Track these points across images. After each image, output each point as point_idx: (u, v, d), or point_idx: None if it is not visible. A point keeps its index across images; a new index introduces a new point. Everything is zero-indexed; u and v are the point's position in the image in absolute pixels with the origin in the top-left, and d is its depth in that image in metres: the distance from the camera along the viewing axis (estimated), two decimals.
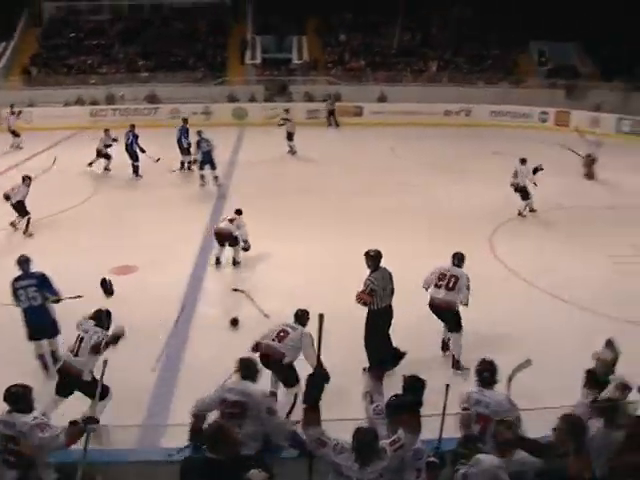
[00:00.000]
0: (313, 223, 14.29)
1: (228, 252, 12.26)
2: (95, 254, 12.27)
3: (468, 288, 8.74)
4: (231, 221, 12.21)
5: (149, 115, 26.29)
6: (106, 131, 19.45)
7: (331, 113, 27.02)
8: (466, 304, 8.73)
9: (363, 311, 8.23)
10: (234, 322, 9.55)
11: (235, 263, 12.27)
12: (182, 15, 32.69)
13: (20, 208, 13.87)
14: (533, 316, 10.00)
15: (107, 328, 7.28)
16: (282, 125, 21.96)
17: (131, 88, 28.38)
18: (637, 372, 6.01)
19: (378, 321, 8.18)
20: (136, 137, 18.66)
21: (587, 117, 26.50)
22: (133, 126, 19.15)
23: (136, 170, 18.79)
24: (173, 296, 10.52)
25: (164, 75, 29.31)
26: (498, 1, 33.19)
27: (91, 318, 7.32)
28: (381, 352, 8.12)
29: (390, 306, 8.25)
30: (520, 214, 15.19)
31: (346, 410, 6.07)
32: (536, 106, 28.10)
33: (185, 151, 19.02)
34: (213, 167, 17.49)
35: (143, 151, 18.59)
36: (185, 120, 19.58)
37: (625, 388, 5.60)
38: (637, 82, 28.82)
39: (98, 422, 5.42)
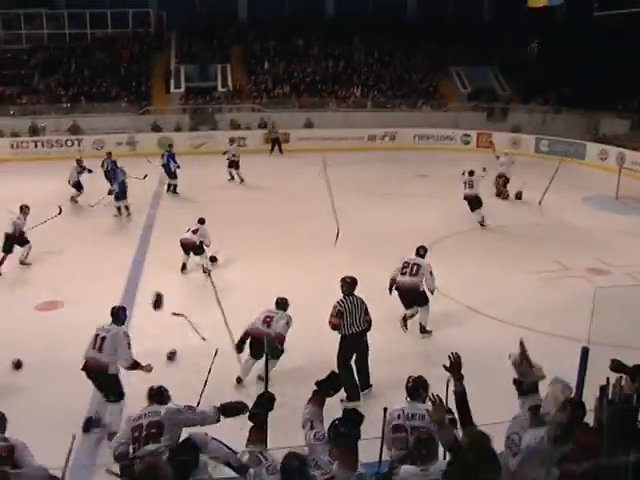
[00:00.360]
0: (244, 250, 14.27)
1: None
2: (19, 289, 11.96)
3: (431, 274, 10.31)
4: (194, 232, 13.15)
5: (72, 147, 25.79)
6: (78, 161, 19.28)
7: (275, 141, 27.01)
8: (433, 290, 10.33)
9: (306, 336, 8.28)
10: (171, 355, 9.43)
11: (205, 271, 12.60)
12: (104, 44, 32.28)
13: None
14: (461, 333, 10.23)
15: (123, 323, 7.97)
16: (224, 154, 22.16)
17: (53, 119, 27.81)
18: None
19: (347, 347, 8.37)
20: (114, 163, 18.92)
21: (507, 138, 27.43)
22: (110, 154, 19.67)
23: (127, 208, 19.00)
24: None
25: (87, 105, 28.86)
26: (418, 29, 34.26)
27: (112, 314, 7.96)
28: (347, 379, 8.20)
29: (362, 334, 8.38)
30: (482, 224, 16.37)
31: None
32: (458, 129, 28.90)
33: (172, 175, 20.15)
34: (124, 197, 17.68)
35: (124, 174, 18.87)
36: (170, 145, 21.12)
37: (566, 388, 5.62)
38: (553, 104, 30.03)
39: None
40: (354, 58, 33.31)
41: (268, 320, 8.71)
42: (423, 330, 10.34)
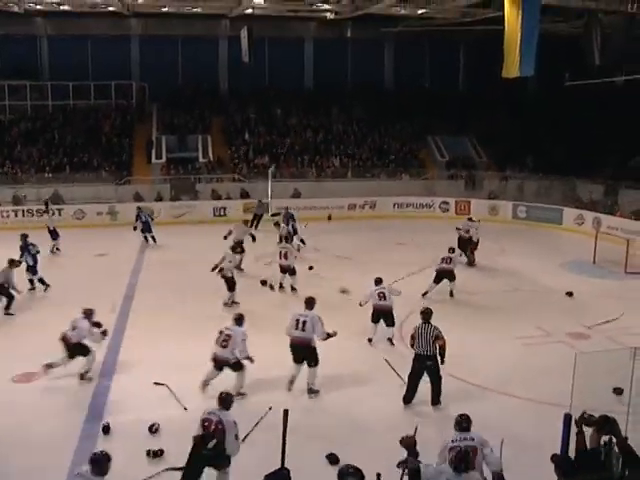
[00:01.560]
0: (221, 320, 14.04)
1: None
2: None
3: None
4: (286, 257, 16.47)
5: (53, 216, 25.76)
6: (245, 222, 21.29)
7: (258, 217, 25.63)
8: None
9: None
10: (152, 429, 9.17)
11: (293, 289, 16.47)
12: (87, 115, 32.65)
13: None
14: (445, 401, 10.14)
15: (312, 308, 10.78)
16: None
17: (35, 189, 27.82)
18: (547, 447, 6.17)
19: (415, 362, 10.22)
20: (149, 215, 22.79)
21: (485, 205, 27.85)
22: (140, 208, 23.30)
23: (153, 238, 22.53)
24: (80, 401, 10.13)
25: (69, 175, 28.94)
26: (397, 100, 35.09)
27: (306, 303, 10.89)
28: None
29: (428, 357, 10.06)
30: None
31: None
32: (437, 197, 29.27)
33: (289, 238, 20.17)
34: (35, 272, 16.89)
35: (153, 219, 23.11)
36: (287, 209, 22.84)
37: None
38: (529, 171, 30.65)
39: None
40: (333, 128, 33.92)
41: (382, 295, 12.84)
42: (452, 294, 16.13)
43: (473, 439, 6.87)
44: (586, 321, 14.06)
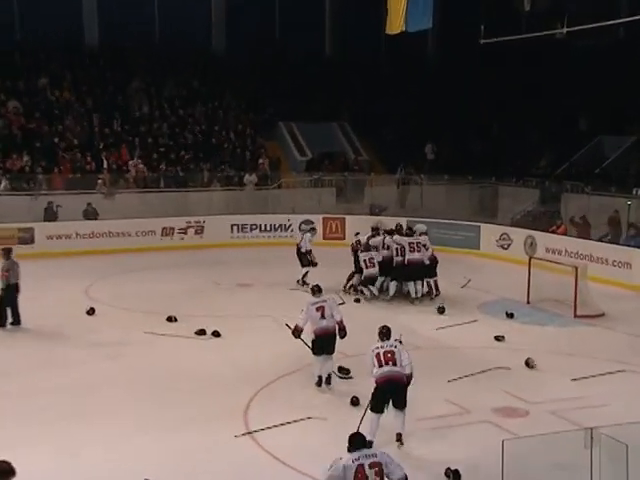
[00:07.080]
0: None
1: None
2: None
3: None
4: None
5: None
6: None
7: None
8: None
9: None
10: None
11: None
12: None
13: None
14: None
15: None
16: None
17: None
18: None
19: None
20: None
21: (367, 223, 27.89)
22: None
23: None
24: None
25: None
26: (231, 70, 35.26)
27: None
28: None
29: None
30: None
31: None
32: (296, 213, 29.21)
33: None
34: None
35: None
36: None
37: None
38: (427, 172, 31.27)
39: None
40: (133, 110, 33.48)
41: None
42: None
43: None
44: (519, 390, 14.27)
